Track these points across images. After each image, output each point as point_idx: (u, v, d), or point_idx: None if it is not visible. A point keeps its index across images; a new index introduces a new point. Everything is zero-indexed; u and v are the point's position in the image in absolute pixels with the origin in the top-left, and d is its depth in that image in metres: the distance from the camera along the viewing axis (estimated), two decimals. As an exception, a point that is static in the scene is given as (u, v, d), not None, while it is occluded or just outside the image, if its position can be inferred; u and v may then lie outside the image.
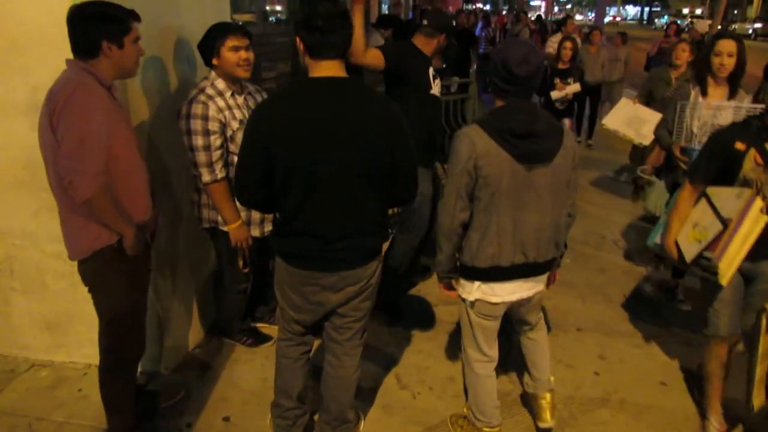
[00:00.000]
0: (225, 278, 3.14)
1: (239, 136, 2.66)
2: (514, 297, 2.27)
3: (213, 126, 2.65)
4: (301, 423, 2.51)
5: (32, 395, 2.85)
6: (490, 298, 2.26)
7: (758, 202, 2.30)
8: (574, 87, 6.50)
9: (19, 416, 2.73)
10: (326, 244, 2.04)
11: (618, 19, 61.97)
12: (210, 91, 2.69)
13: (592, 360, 3.30)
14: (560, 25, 11.95)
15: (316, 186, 1.96)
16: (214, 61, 2.70)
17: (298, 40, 1.97)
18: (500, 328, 2.46)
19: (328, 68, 1.95)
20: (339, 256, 2.08)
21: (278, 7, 6.54)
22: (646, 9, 66.60)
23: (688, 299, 3.87)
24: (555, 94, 6.53)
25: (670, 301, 3.92)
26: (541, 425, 2.64)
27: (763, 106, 3.03)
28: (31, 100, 2.51)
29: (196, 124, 2.62)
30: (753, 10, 48.48)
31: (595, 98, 8.28)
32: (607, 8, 26.23)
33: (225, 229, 2.83)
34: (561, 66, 6.68)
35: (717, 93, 3.43)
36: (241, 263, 2.95)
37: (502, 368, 2.98)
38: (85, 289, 2.31)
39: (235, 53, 2.67)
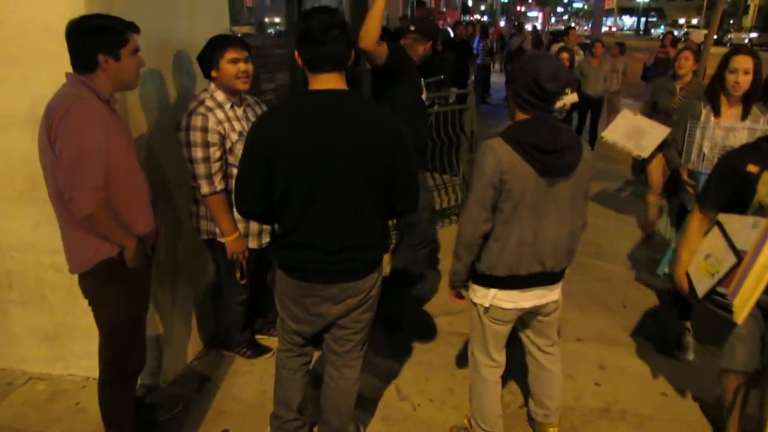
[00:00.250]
0: (224, 290, 3.14)
1: (238, 148, 2.67)
2: (527, 304, 2.29)
3: (212, 138, 2.66)
4: None
5: (30, 409, 2.84)
6: (503, 304, 2.28)
7: None
8: (572, 97, 6.51)
9: (16, 430, 2.71)
10: (326, 256, 2.04)
11: (614, 29, 62.30)
12: (209, 103, 2.70)
13: (592, 370, 3.28)
14: (559, 36, 12.03)
15: (316, 198, 1.97)
16: (213, 74, 2.71)
17: (296, 53, 1.98)
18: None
19: (327, 81, 1.95)
20: (339, 268, 2.07)
21: (277, 19, 6.58)
22: (643, 19, 67.04)
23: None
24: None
25: (675, 349, 3.45)
26: None
27: None
28: (31, 112, 2.51)
29: (196, 136, 2.63)
30: (749, 20, 48.82)
31: (597, 111, 8.19)
32: (604, 19, 26.41)
33: (222, 240, 2.83)
34: None
35: (730, 113, 3.22)
36: (238, 275, 2.95)
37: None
38: (84, 301, 2.30)
39: (234, 65, 2.68)
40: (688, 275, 2.41)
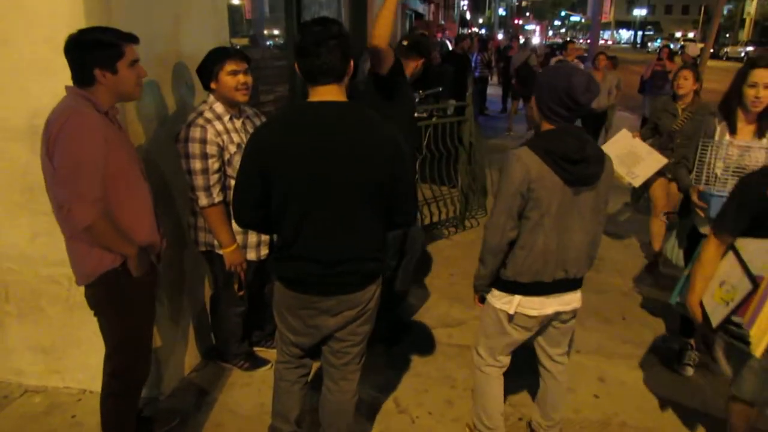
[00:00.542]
0: (221, 302, 3.12)
1: (237, 160, 2.67)
2: (551, 310, 2.30)
3: (211, 149, 2.66)
4: None
5: (26, 422, 2.81)
6: (529, 311, 2.29)
7: None
8: None
9: (11, 443, 2.69)
10: (324, 269, 2.03)
11: (610, 42, 62.68)
12: (208, 114, 2.71)
13: (591, 383, 3.27)
14: (557, 49, 12.11)
15: (313, 210, 1.96)
16: (213, 86, 2.72)
17: (296, 65, 1.98)
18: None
19: (325, 93, 1.95)
20: (337, 281, 2.07)
21: (276, 31, 6.61)
22: (640, 33, 67.56)
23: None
24: None
25: (675, 363, 3.42)
26: None
27: None
28: (30, 124, 2.52)
29: (194, 148, 2.63)
30: (745, 34, 49.24)
31: (598, 125, 8.04)
32: (601, 32, 26.60)
33: (220, 252, 2.82)
34: None
35: (747, 130, 2.97)
36: (236, 287, 2.94)
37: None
38: (81, 314, 2.30)
39: (233, 77, 2.69)
40: (702, 304, 2.29)
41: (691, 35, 51.27)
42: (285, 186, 1.94)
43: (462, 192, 5.76)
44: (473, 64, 12.46)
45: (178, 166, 2.70)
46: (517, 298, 2.27)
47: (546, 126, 2.16)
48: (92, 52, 2.07)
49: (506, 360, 2.52)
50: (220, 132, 2.69)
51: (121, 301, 2.26)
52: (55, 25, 2.34)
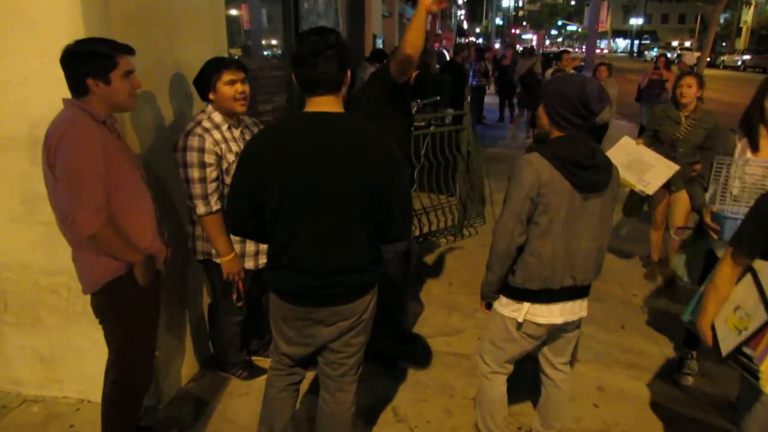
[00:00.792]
0: (220, 311, 3.12)
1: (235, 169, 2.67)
2: (559, 319, 2.30)
3: (209, 158, 2.67)
4: None
5: (24, 431, 2.81)
6: (538, 319, 2.29)
7: None
8: None
9: (9, 454, 2.68)
10: (316, 280, 2.02)
11: (605, 51, 62.96)
12: (206, 124, 2.72)
13: (591, 392, 3.27)
14: (552, 59, 12.16)
15: (305, 220, 1.95)
16: (211, 96, 2.73)
17: (293, 75, 1.99)
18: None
19: (321, 104, 1.95)
20: (329, 292, 2.05)
21: (274, 41, 6.65)
22: (636, 42, 67.90)
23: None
24: None
25: (675, 372, 3.41)
26: None
27: None
28: (29, 134, 2.54)
29: (192, 157, 2.64)
30: (741, 42, 49.50)
31: (600, 137, 7.86)
32: (598, 41, 26.74)
33: (219, 261, 2.83)
34: None
35: None
36: (234, 296, 2.94)
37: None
38: (80, 323, 2.31)
39: (231, 87, 2.70)
40: (713, 328, 2.15)
41: (687, 44, 51.53)
42: (277, 196, 1.94)
43: (460, 201, 5.77)
44: (470, 74, 12.54)
45: (176, 176, 2.71)
46: (526, 305, 2.27)
47: (556, 133, 2.18)
48: (86, 62, 2.09)
49: (510, 366, 2.53)
50: (218, 141, 2.70)
51: (126, 309, 2.28)
52: (54, 36, 2.34)
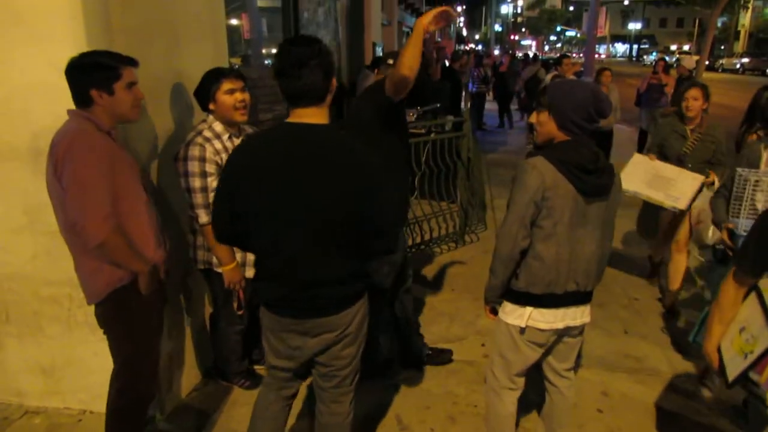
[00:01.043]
0: (221, 320, 3.12)
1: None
2: (561, 324, 2.30)
3: (210, 168, 2.67)
4: None
5: (25, 444, 2.80)
6: (539, 324, 2.28)
7: None
8: None
9: (11, 466, 2.67)
10: (294, 292, 2.00)
11: (603, 56, 62.98)
12: (207, 133, 2.73)
13: (594, 397, 3.25)
14: (552, 64, 12.19)
15: (282, 232, 1.93)
16: (211, 106, 2.75)
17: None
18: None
19: (304, 115, 1.92)
20: (309, 305, 2.01)
21: (274, 51, 6.68)
22: (635, 46, 68.07)
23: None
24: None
25: (695, 385, 3.33)
26: None
27: None
28: (32, 146, 2.54)
29: (193, 166, 2.65)
30: (740, 45, 49.59)
31: (607, 144, 7.49)
32: (597, 46, 26.80)
33: (220, 270, 2.83)
34: None
35: None
36: (235, 305, 2.94)
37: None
38: (81, 334, 2.31)
39: (230, 96, 2.71)
40: (720, 350, 2.04)
41: (686, 48, 51.64)
42: (254, 206, 1.92)
43: (461, 207, 5.77)
44: (470, 80, 12.59)
45: (177, 185, 2.71)
46: (529, 309, 2.26)
47: (561, 138, 2.18)
48: (90, 73, 2.12)
49: (521, 382, 2.49)
50: (219, 150, 2.71)
51: (130, 318, 2.29)
52: (57, 47, 2.36)
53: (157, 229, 2.37)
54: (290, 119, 1.94)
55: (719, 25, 42.29)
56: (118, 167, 2.16)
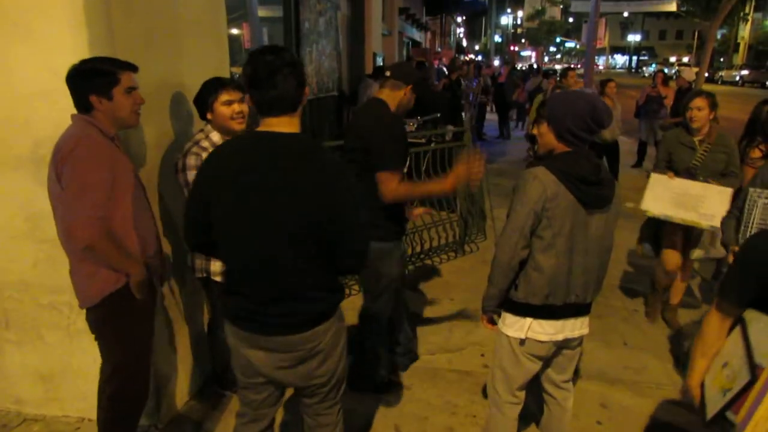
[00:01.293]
0: (219, 328, 3.11)
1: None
2: (560, 336, 2.30)
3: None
4: None
5: (23, 452, 2.79)
6: (539, 336, 2.28)
7: None
8: None
9: (8, 474, 2.66)
10: (257, 306, 1.92)
11: (602, 68, 63.20)
12: (204, 143, 2.74)
13: (594, 409, 3.25)
14: (552, 76, 12.27)
15: (246, 243, 1.87)
16: (209, 116, 2.77)
17: (247, 97, 1.93)
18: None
19: (276, 124, 1.86)
20: (272, 321, 1.92)
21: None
22: (634, 58, 68.37)
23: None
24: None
25: None
26: None
27: None
28: (34, 153, 2.55)
29: (191, 176, 2.65)
30: (739, 58, 49.79)
31: (614, 156, 7.51)
32: (596, 57, 26.89)
33: (217, 279, 2.83)
34: None
35: None
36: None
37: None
38: (81, 341, 2.31)
39: (228, 107, 2.73)
40: (703, 386, 1.90)
41: (685, 60, 51.79)
42: (223, 215, 1.88)
43: (461, 216, 5.78)
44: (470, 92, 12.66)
45: (175, 193, 2.72)
46: (529, 321, 2.26)
47: (560, 148, 2.19)
48: (89, 79, 2.14)
49: (522, 395, 2.49)
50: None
51: (122, 324, 2.28)
52: (59, 55, 2.38)
53: (154, 236, 2.38)
54: (261, 128, 1.88)
55: (718, 37, 42.49)
56: (119, 172, 2.17)
